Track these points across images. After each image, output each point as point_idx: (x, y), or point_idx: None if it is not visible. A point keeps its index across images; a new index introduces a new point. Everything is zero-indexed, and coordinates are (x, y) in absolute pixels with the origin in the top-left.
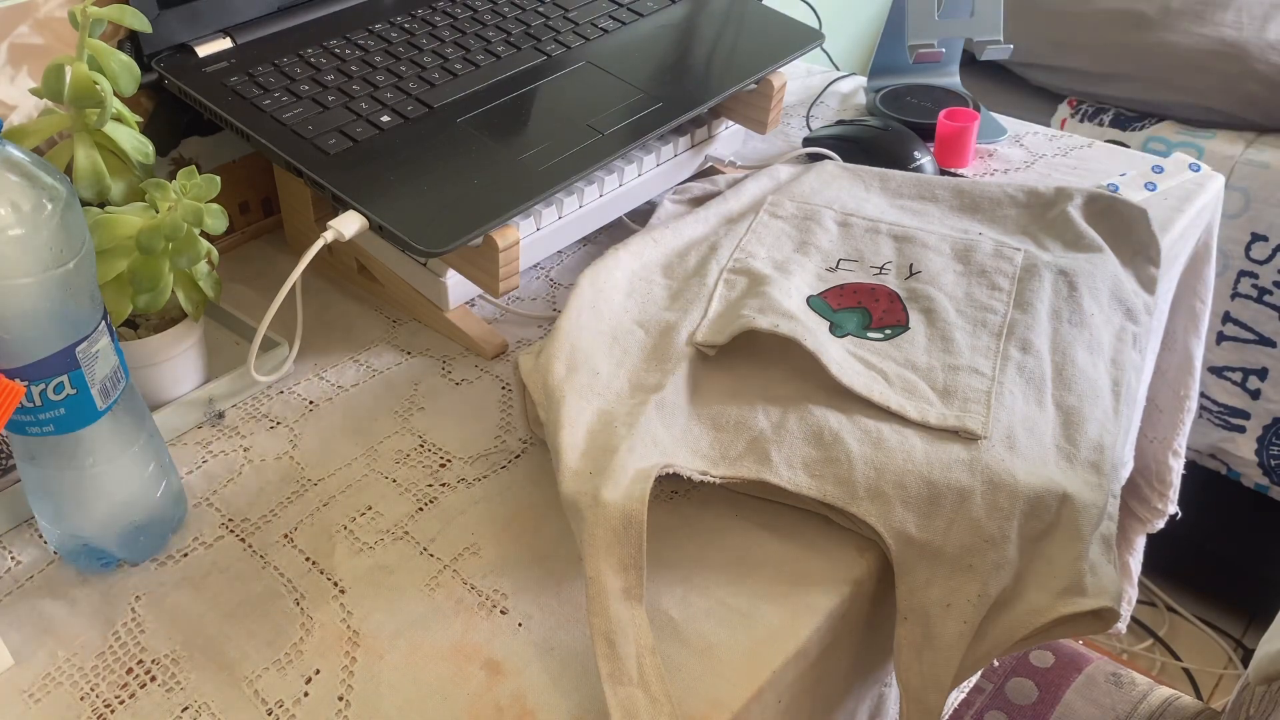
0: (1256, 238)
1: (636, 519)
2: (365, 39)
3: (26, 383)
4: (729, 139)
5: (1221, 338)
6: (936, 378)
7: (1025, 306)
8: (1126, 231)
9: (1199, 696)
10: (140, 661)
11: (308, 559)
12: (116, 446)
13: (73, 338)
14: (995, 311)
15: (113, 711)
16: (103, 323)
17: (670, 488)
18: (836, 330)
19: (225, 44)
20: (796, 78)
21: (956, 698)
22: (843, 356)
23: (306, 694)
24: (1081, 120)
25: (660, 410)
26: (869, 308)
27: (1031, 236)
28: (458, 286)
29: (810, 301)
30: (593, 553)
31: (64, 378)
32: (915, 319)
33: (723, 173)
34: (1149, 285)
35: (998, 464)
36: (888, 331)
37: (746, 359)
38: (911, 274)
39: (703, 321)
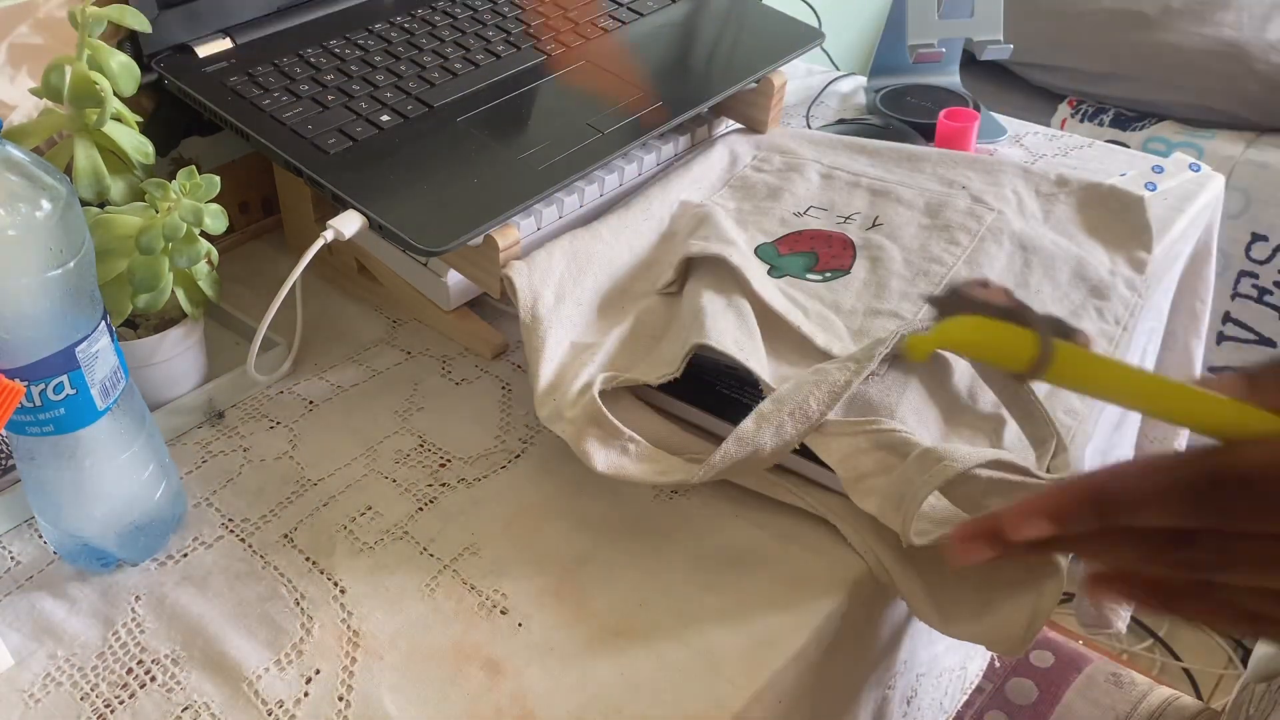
0: (1256, 238)
1: (595, 415)
2: (365, 39)
3: (26, 382)
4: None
5: (1221, 338)
6: (855, 320)
7: (975, 266)
8: (1122, 217)
9: (1199, 696)
10: (140, 661)
11: (308, 559)
12: (116, 446)
13: (73, 338)
14: (943, 264)
15: (113, 711)
16: (103, 323)
17: (670, 488)
18: (775, 273)
19: (225, 44)
20: (796, 77)
21: (958, 699)
22: (768, 284)
23: (306, 694)
24: (1081, 120)
25: (619, 340)
26: (819, 253)
27: (1018, 197)
28: (458, 286)
29: (758, 250)
30: (577, 450)
31: (64, 378)
32: (859, 266)
33: None
34: (1139, 266)
35: (879, 399)
36: (827, 275)
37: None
38: (874, 225)
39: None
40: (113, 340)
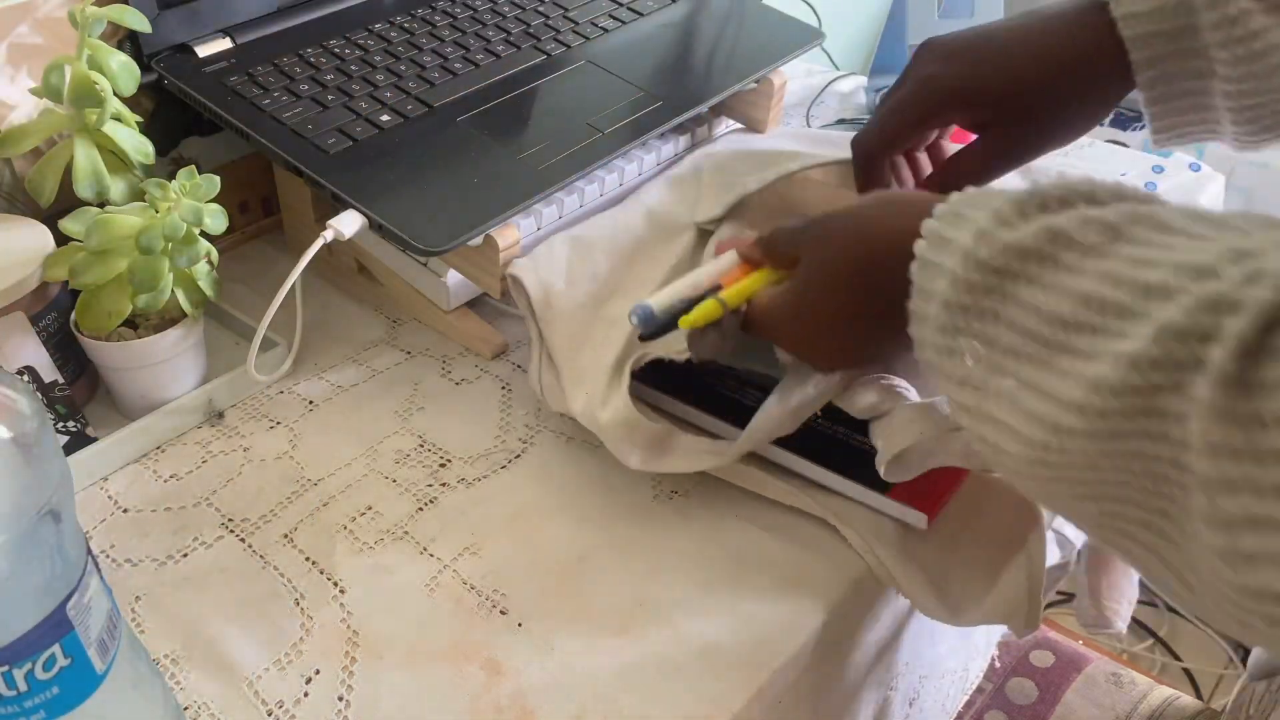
0: None
1: (631, 420)
2: (365, 39)
3: (6, 668)
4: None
5: None
6: None
7: None
8: None
9: (1199, 696)
10: None
11: (308, 559)
12: (122, 712)
13: (63, 592)
14: None
15: None
16: (89, 558)
17: (670, 488)
18: None
19: (225, 44)
20: (796, 77)
21: (959, 700)
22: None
23: (306, 694)
24: None
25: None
26: None
27: None
28: (458, 286)
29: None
30: (614, 449)
31: (55, 648)
32: None
33: None
34: None
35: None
36: None
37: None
38: None
39: (698, 203)
40: (99, 573)
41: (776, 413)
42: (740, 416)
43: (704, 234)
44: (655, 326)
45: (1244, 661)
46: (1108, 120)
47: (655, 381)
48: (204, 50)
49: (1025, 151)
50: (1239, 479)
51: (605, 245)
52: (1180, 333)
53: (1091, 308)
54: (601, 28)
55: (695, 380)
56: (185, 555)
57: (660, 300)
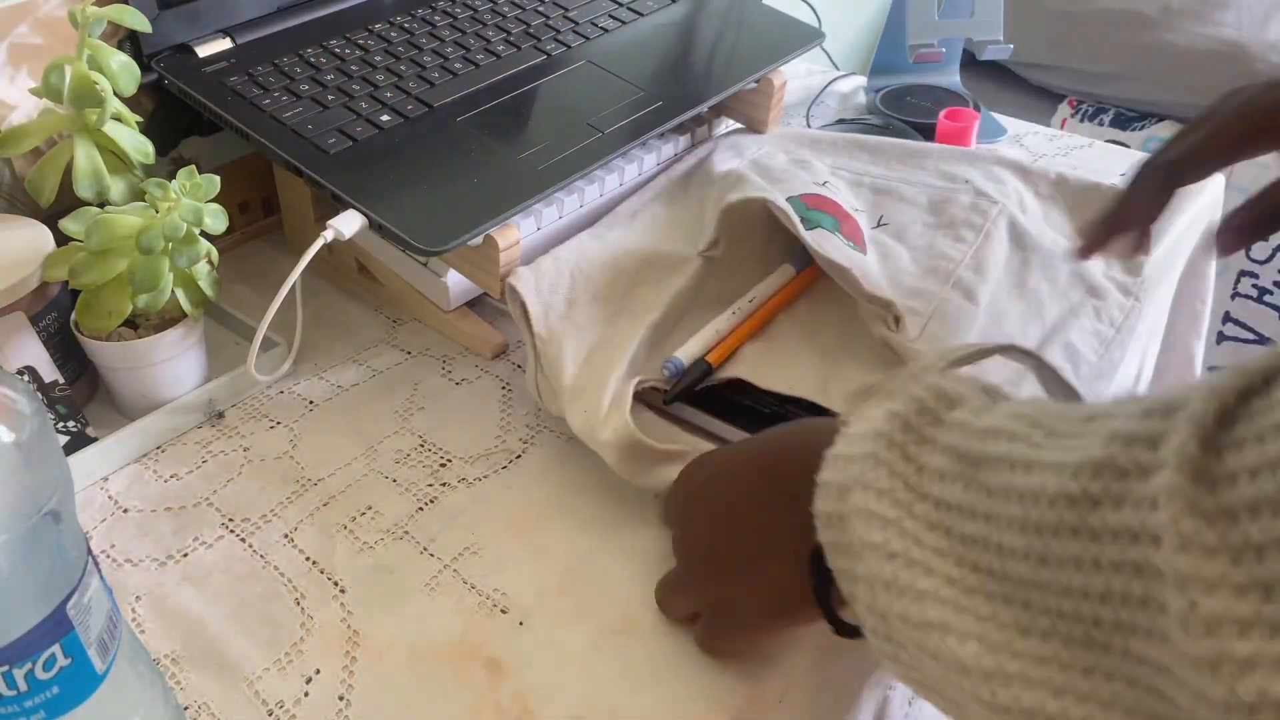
0: None
1: (632, 440)
2: (365, 39)
3: (6, 668)
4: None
5: (1221, 338)
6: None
7: (980, 262)
8: None
9: None
10: None
11: (308, 559)
12: (120, 709)
13: (63, 592)
14: (951, 259)
15: None
16: (89, 559)
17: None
18: (808, 224)
19: (225, 44)
20: (796, 77)
21: None
22: (808, 230)
23: (306, 694)
24: (1081, 120)
25: (652, 331)
26: (841, 221)
27: (1019, 196)
28: (458, 286)
29: (788, 200)
30: (614, 465)
31: (55, 648)
32: (871, 254)
33: None
34: (1134, 269)
35: None
36: (852, 244)
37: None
38: (879, 224)
39: (700, 236)
40: (99, 572)
41: None
42: (749, 422)
43: (709, 262)
44: (682, 376)
45: None
46: (1108, 120)
47: (695, 400)
48: (204, 50)
49: None
50: (1215, 577)
51: (609, 268)
52: (1129, 438)
53: (1031, 426)
54: (601, 28)
55: (734, 400)
56: (185, 555)
57: (686, 351)
